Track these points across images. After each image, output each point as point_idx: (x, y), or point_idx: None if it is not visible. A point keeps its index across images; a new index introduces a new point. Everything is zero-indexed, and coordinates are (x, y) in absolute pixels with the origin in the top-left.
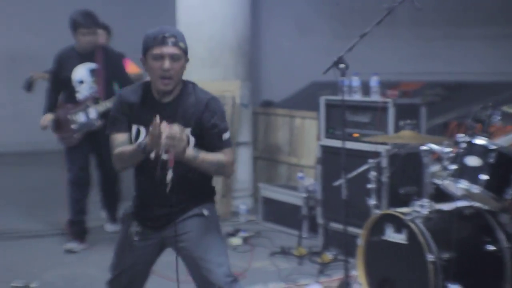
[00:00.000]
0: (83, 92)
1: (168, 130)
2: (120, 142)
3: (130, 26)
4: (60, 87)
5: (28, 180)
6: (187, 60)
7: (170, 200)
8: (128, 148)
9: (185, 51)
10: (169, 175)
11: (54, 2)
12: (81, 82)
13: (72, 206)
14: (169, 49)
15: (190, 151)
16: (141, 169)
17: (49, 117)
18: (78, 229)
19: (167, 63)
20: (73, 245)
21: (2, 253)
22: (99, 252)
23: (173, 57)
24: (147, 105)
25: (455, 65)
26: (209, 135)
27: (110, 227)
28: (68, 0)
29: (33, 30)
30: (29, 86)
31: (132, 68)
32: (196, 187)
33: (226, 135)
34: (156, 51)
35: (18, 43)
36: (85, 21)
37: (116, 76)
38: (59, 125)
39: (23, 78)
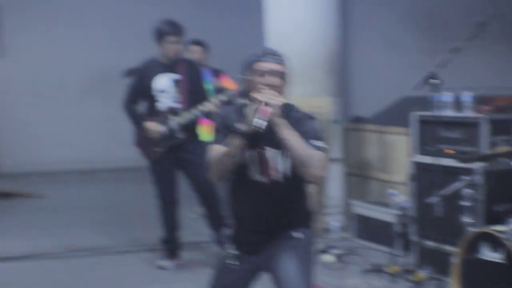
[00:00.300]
0: (164, 101)
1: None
2: (217, 151)
3: (219, 41)
4: (138, 98)
5: (122, 196)
6: (287, 82)
7: (266, 223)
8: (223, 149)
9: (287, 73)
10: (258, 121)
11: (144, 21)
12: (163, 91)
13: (163, 223)
14: (273, 65)
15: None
16: (237, 188)
17: (152, 123)
18: (170, 247)
19: (271, 79)
20: (165, 262)
21: (95, 268)
22: (191, 269)
23: (277, 74)
24: None
25: None
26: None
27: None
28: (160, 18)
29: (124, 49)
30: (128, 73)
31: (229, 84)
32: (291, 211)
33: (318, 142)
34: (259, 66)
35: (110, 62)
36: (172, 29)
37: (197, 89)
38: (141, 140)
39: (116, 96)
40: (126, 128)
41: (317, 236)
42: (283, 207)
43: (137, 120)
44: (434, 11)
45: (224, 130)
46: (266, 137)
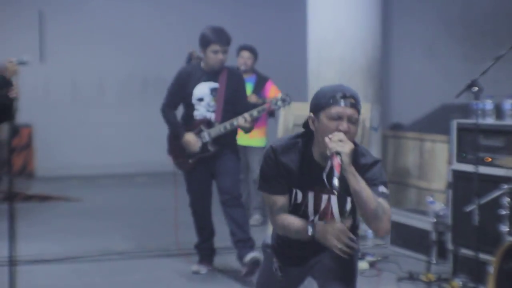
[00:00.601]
0: (201, 110)
1: (337, 137)
2: (280, 206)
3: (262, 43)
4: (177, 103)
5: (158, 201)
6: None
7: (314, 249)
8: (295, 224)
9: (360, 113)
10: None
11: (184, 26)
12: (201, 99)
13: (196, 229)
14: (348, 110)
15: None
16: (292, 211)
17: (192, 137)
18: (203, 252)
19: (345, 125)
20: (199, 267)
21: (128, 273)
22: (225, 273)
23: (351, 120)
24: (306, 168)
25: None
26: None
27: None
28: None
29: (163, 54)
30: (189, 60)
31: (273, 92)
32: None
33: (383, 188)
34: (334, 110)
35: (149, 67)
36: (218, 38)
37: (236, 99)
38: (174, 148)
39: (154, 101)
40: (164, 133)
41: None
42: None
43: (174, 127)
44: (476, 19)
45: (279, 179)
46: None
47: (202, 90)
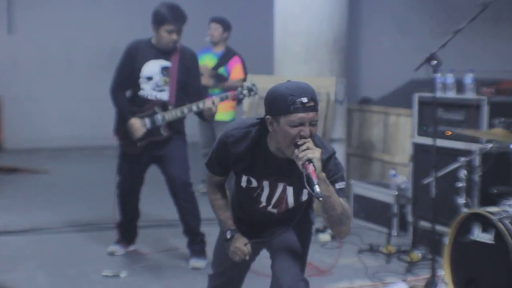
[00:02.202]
0: (147, 89)
1: (305, 146)
2: (216, 181)
3: (229, 17)
4: (127, 82)
5: None
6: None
7: (268, 227)
8: (221, 214)
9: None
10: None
11: (154, 2)
12: (150, 78)
13: (119, 210)
14: (309, 115)
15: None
16: (242, 198)
17: (137, 122)
18: (124, 233)
19: (307, 130)
20: (115, 248)
21: (93, 243)
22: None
23: (312, 122)
24: (260, 158)
25: None
26: None
27: (193, 262)
28: None
29: (133, 26)
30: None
31: (237, 73)
32: (294, 220)
33: (341, 184)
34: (295, 118)
35: (118, 39)
36: (173, 17)
37: (189, 80)
38: (122, 130)
39: None
40: None
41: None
42: (286, 219)
43: (121, 109)
44: None
45: (225, 163)
46: (289, 174)
47: (152, 68)
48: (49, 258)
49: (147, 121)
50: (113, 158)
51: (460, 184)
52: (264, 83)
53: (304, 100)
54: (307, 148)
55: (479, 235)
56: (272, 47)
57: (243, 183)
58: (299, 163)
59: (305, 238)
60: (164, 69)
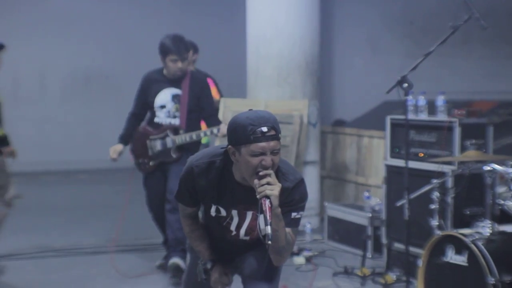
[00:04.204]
0: (161, 116)
1: (265, 180)
2: (189, 213)
3: (201, 41)
4: (143, 111)
5: (97, 197)
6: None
7: (239, 253)
8: (197, 244)
9: (280, 136)
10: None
11: (127, 23)
12: (163, 106)
13: (157, 228)
14: (270, 144)
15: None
16: (213, 227)
17: (118, 148)
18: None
19: (269, 160)
20: (177, 259)
21: (66, 269)
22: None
23: (273, 151)
24: (227, 187)
25: None
26: (284, 214)
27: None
28: (141, 22)
29: (107, 51)
30: None
31: (213, 94)
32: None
33: (297, 214)
34: (256, 148)
35: (91, 64)
36: (175, 47)
37: (200, 105)
38: (137, 149)
39: (97, 98)
40: (105, 129)
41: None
42: (258, 245)
43: (123, 133)
44: (417, 16)
45: (193, 194)
46: (252, 203)
47: (164, 97)
48: (22, 284)
49: (159, 143)
50: (86, 183)
51: (433, 206)
52: (237, 107)
53: (264, 129)
54: (267, 183)
55: (452, 257)
56: (244, 71)
57: (212, 213)
58: (257, 196)
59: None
60: (175, 97)
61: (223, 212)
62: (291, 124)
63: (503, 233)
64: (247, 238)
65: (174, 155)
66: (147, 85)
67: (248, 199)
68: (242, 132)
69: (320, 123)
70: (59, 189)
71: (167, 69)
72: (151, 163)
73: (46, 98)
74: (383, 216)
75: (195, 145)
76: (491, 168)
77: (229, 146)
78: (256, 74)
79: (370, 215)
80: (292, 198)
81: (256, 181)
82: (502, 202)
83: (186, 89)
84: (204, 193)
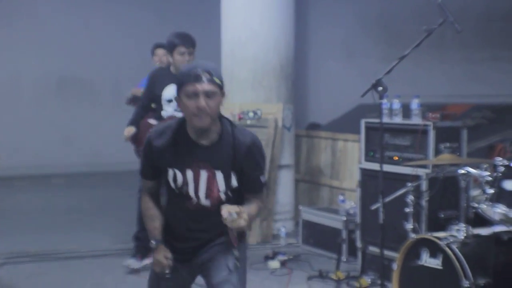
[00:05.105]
0: (169, 110)
1: (228, 215)
2: (148, 187)
3: None
4: (150, 105)
5: (73, 202)
6: (223, 94)
7: (201, 236)
8: (149, 222)
9: (220, 87)
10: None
11: (102, 28)
12: (170, 101)
13: (139, 219)
14: (203, 86)
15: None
16: (176, 205)
17: (131, 130)
18: (142, 244)
19: (202, 101)
20: (132, 261)
21: (41, 274)
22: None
23: (208, 94)
24: (181, 147)
25: (503, 87)
26: (247, 179)
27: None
28: (115, 25)
29: (80, 54)
30: (130, 101)
31: None
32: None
33: (263, 178)
34: (190, 88)
35: (66, 67)
36: (182, 40)
37: None
38: (139, 138)
39: (72, 101)
40: (79, 133)
41: (259, 242)
42: (220, 223)
43: (133, 118)
44: (392, 19)
45: (150, 163)
46: (211, 158)
47: (171, 91)
48: None
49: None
50: (60, 187)
51: (408, 209)
52: None
53: (198, 71)
54: (232, 220)
55: (427, 260)
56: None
57: (171, 182)
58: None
59: (242, 258)
60: None
61: (179, 177)
62: (266, 128)
63: (478, 236)
64: (208, 203)
65: None
66: (154, 80)
67: (202, 156)
68: (180, 77)
69: (294, 127)
70: (33, 194)
71: (174, 63)
72: None
73: (19, 102)
74: (358, 219)
75: None
76: (466, 172)
77: (176, 96)
78: (231, 77)
79: (345, 218)
80: (256, 159)
81: (225, 213)
82: (476, 205)
83: None
84: (161, 155)
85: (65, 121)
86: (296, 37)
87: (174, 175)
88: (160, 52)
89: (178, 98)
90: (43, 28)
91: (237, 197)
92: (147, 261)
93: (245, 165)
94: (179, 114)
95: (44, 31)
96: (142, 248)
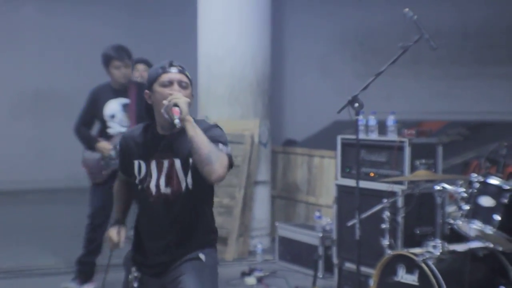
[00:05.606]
0: (114, 127)
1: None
2: (119, 181)
3: (153, 59)
4: (90, 121)
5: (49, 218)
6: (192, 93)
7: (168, 242)
8: (116, 201)
9: (191, 82)
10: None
11: (78, 42)
12: (113, 116)
13: (85, 244)
14: (177, 75)
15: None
16: (142, 210)
17: (103, 142)
18: (84, 269)
19: (176, 88)
20: (72, 284)
21: None
22: None
23: (181, 84)
24: (148, 141)
25: (479, 104)
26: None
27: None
28: (94, 40)
29: (56, 69)
30: None
31: None
32: (194, 228)
33: (223, 146)
34: (164, 78)
35: (41, 82)
36: (117, 54)
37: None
38: (89, 162)
39: (47, 116)
40: (55, 148)
41: (235, 258)
42: (186, 224)
43: (88, 140)
44: (368, 36)
45: (122, 156)
46: (172, 147)
47: (113, 107)
48: None
49: (112, 152)
50: (35, 203)
51: (384, 226)
52: None
53: (171, 63)
54: (178, 96)
55: (403, 276)
56: (195, 90)
57: (137, 177)
58: (166, 112)
59: (211, 277)
60: (125, 106)
61: (143, 169)
62: (242, 144)
63: (453, 252)
64: (169, 191)
65: None
66: (95, 99)
67: (165, 146)
68: (153, 71)
69: (271, 143)
70: (8, 210)
71: (112, 78)
72: (103, 172)
73: None
74: (334, 235)
75: None
76: (441, 188)
77: (146, 92)
78: (207, 93)
79: (321, 235)
80: (212, 133)
81: (165, 101)
82: (452, 221)
83: (133, 98)
84: (130, 149)
85: (40, 134)
86: (272, 53)
87: (139, 167)
88: (141, 67)
89: (149, 93)
90: (18, 40)
91: (198, 190)
92: (87, 287)
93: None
94: (125, 129)
95: (19, 43)
96: (83, 273)
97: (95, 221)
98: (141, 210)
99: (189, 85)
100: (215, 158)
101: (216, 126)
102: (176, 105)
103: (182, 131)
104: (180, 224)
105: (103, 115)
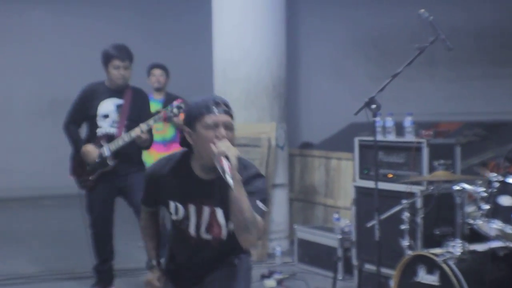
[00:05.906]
0: (104, 126)
1: (222, 142)
2: (145, 214)
3: (169, 64)
4: (80, 120)
5: (65, 223)
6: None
7: (204, 268)
8: (147, 240)
9: (233, 120)
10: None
11: (94, 48)
12: (106, 116)
13: (94, 251)
14: (223, 117)
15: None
16: (177, 235)
17: (90, 147)
18: (101, 275)
19: (223, 131)
20: None
21: None
22: None
23: (227, 126)
24: (184, 180)
25: (494, 104)
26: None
27: None
28: (107, 45)
29: (73, 75)
30: None
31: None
32: (234, 249)
33: (261, 204)
34: (209, 120)
35: (58, 88)
36: (118, 53)
37: (141, 118)
38: (76, 168)
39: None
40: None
41: (254, 261)
42: (223, 256)
43: (76, 142)
44: (383, 37)
45: (150, 192)
46: (213, 195)
47: (108, 106)
48: None
49: (96, 160)
50: (51, 208)
51: (403, 227)
52: None
53: (216, 101)
54: (228, 148)
55: (424, 277)
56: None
57: (173, 215)
58: (215, 160)
59: (245, 282)
60: (119, 107)
61: (181, 210)
62: (259, 147)
63: (474, 252)
64: (209, 237)
65: (110, 163)
66: (88, 96)
67: (205, 192)
68: (195, 109)
69: (287, 146)
70: (25, 215)
71: (109, 77)
72: (91, 178)
73: (11, 123)
74: (353, 237)
75: (136, 155)
76: (461, 188)
77: (186, 129)
78: (223, 97)
79: (340, 236)
80: (254, 187)
81: (212, 145)
82: (471, 221)
83: (128, 100)
84: (162, 187)
85: (56, 142)
86: (287, 56)
87: (176, 208)
88: (157, 72)
89: (190, 131)
90: (35, 50)
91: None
92: None
93: (248, 193)
94: (114, 130)
95: (36, 53)
96: (103, 280)
97: (97, 230)
98: (176, 235)
99: (233, 125)
100: (252, 227)
101: (259, 175)
102: (226, 157)
103: (222, 177)
104: (218, 257)
105: (96, 114)
